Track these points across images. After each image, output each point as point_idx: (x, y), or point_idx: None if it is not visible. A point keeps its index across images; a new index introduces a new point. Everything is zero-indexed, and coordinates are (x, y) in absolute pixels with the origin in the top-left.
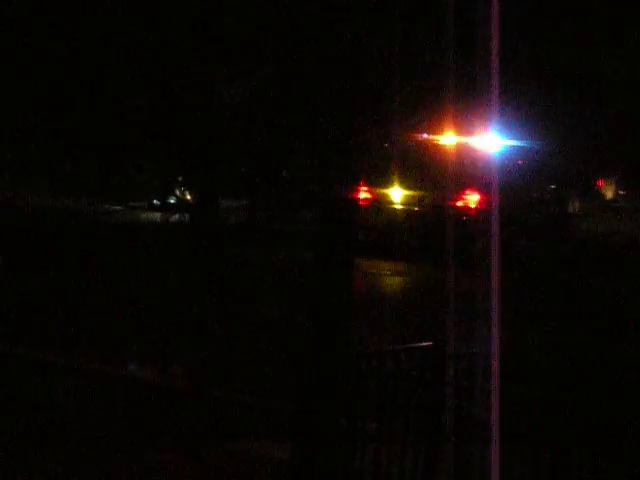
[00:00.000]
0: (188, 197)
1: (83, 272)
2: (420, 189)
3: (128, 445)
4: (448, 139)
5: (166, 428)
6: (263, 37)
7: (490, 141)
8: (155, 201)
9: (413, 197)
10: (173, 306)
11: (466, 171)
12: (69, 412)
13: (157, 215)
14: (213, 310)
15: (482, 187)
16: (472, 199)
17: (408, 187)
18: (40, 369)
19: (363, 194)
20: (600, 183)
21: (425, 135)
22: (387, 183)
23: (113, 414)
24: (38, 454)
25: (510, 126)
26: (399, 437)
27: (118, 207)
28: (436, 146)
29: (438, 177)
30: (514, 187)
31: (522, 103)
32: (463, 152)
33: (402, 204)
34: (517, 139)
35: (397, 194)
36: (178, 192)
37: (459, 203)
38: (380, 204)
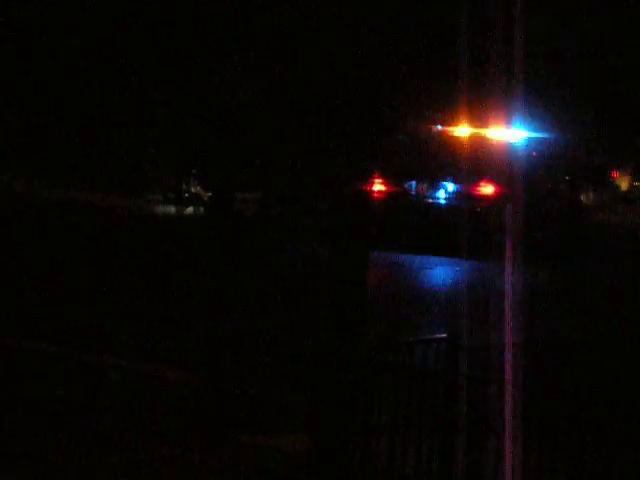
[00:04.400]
0: (200, 190)
1: (98, 265)
2: (438, 181)
3: (141, 440)
4: (462, 130)
5: (179, 422)
6: (277, 31)
7: (507, 132)
8: (170, 194)
9: (430, 189)
10: (187, 300)
11: (481, 162)
12: (80, 406)
13: (172, 208)
14: (227, 304)
15: (497, 178)
16: (487, 190)
17: (425, 179)
18: (47, 360)
19: (378, 186)
20: (615, 174)
21: (440, 127)
22: (403, 175)
23: (124, 408)
24: (50, 449)
25: (526, 117)
26: (414, 430)
27: (133, 200)
28: (451, 137)
29: (454, 168)
30: (529, 178)
31: (539, 94)
32: (478, 143)
33: (419, 197)
34: (533, 130)
35: (413, 186)
36: (192, 185)
37: (474, 194)
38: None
